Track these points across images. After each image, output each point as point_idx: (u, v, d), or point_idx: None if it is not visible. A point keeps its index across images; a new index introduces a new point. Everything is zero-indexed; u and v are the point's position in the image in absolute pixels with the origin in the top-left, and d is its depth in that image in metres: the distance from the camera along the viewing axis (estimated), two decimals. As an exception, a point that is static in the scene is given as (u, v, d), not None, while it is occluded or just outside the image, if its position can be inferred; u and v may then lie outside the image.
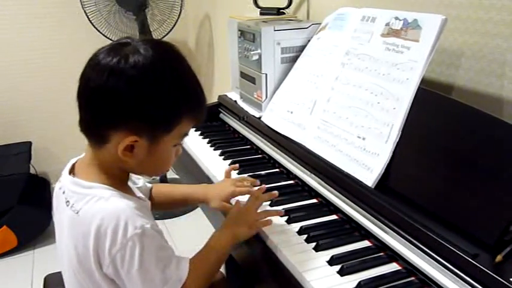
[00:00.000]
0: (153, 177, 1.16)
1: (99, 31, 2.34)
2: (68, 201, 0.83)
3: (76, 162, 0.90)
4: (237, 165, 1.23)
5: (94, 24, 2.34)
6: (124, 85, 0.76)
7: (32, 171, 2.60)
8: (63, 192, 0.86)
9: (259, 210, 1.00)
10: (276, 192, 1.06)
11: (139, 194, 0.93)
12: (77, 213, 0.80)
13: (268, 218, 0.98)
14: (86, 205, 0.80)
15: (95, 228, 0.76)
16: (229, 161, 1.30)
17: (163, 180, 2.83)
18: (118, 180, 0.85)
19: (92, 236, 0.77)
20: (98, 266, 0.79)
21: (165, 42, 0.87)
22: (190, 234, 1.34)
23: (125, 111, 0.78)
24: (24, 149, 2.55)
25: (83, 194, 0.81)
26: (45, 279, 1.22)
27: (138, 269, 0.76)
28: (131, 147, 0.80)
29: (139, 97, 0.77)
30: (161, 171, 0.88)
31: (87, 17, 2.32)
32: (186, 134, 0.85)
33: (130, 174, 0.92)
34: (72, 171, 0.88)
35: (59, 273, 1.22)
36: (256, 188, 1.10)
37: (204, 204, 1.12)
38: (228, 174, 1.16)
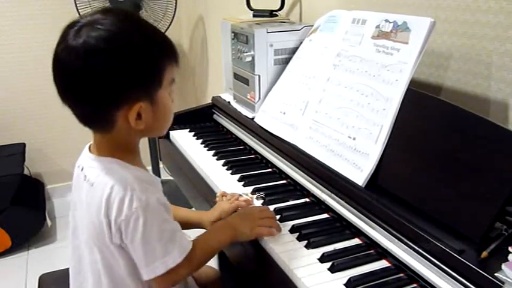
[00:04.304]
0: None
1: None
2: (85, 176, 0.88)
3: (90, 144, 0.94)
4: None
5: (88, 25, 2.34)
6: (109, 62, 0.77)
7: (25, 172, 2.60)
8: (82, 169, 0.90)
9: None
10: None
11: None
12: (92, 185, 0.85)
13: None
14: (98, 177, 0.84)
15: (105, 198, 0.81)
16: (222, 161, 1.32)
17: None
18: (130, 154, 0.89)
19: (103, 205, 0.81)
20: (110, 236, 0.83)
21: (117, 9, 0.89)
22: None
23: (121, 87, 0.79)
24: (18, 150, 2.55)
25: (96, 168, 0.86)
26: (40, 278, 1.23)
27: (140, 239, 0.81)
28: (138, 115, 0.82)
29: (128, 66, 0.79)
30: (169, 124, 0.91)
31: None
32: (173, 79, 0.87)
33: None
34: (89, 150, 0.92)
35: (54, 272, 1.24)
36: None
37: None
38: (220, 196, 1.14)
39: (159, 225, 0.82)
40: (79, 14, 2.30)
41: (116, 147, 0.87)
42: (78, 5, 2.30)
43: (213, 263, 1.35)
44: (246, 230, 0.95)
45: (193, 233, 1.12)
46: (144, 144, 2.70)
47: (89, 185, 0.86)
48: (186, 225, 1.13)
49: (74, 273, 0.95)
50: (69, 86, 0.80)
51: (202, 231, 1.10)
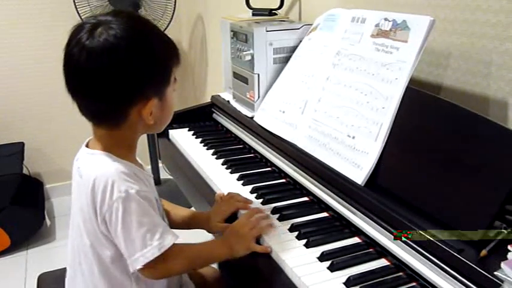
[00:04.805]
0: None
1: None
2: (78, 168, 0.91)
3: (89, 139, 0.96)
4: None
5: (87, 24, 2.34)
6: (130, 59, 0.81)
7: (24, 171, 2.60)
8: (77, 161, 0.93)
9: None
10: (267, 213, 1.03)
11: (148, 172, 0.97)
12: (81, 177, 0.89)
13: (266, 245, 0.95)
14: (86, 170, 0.88)
15: (90, 190, 0.84)
16: (221, 160, 1.32)
17: (157, 181, 2.83)
18: (127, 150, 0.92)
19: (89, 197, 0.85)
20: (97, 226, 0.86)
21: (125, 10, 0.92)
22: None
23: (139, 83, 0.83)
24: (17, 150, 2.55)
25: (87, 161, 0.89)
26: (39, 278, 1.23)
27: (121, 229, 0.83)
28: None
29: (146, 63, 0.83)
30: (170, 119, 0.95)
31: (80, 18, 2.32)
32: (175, 78, 0.91)
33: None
34: (87, 144, 0.95)
35: (53, 272, 1.24)
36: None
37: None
38: (218, 198, 1.14)
39: (138, 216, 0.84)
40: (78, 13, 2.31)
41: (116, 143, 0.89)
42: (77, 4, 2.30)
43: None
44: (242, 248, 0.94)
45: (193, 233, 1.12)
46: (143, 144, 2.70)
47: (79, 176, 0.90)
48: (185, 225, 1.13)
49: (70, 266, 0.97)
50: (86, 85, 0.83)
51: (202, 231, 1.10)
